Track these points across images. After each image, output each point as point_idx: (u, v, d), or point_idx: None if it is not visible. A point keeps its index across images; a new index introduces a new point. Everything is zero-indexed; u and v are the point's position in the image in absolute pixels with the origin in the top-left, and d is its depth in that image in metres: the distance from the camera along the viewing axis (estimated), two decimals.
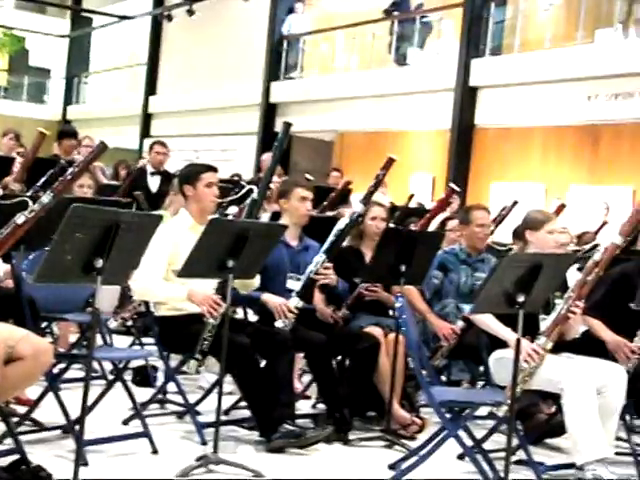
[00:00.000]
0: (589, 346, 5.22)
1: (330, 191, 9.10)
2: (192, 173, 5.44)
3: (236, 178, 10.30)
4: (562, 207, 8.74)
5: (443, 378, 6.58)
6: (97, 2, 27.37)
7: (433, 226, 7.61)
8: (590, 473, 4.60)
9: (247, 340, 5.01)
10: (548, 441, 5.63)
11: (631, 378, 4.91)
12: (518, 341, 4.31)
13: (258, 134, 19.83)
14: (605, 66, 13.88)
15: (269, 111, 19.85)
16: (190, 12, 20.63)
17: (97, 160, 4.65)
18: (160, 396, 5.76)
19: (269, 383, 5.07)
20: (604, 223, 9.48)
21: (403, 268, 5.50)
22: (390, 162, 5.84)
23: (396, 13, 17.90)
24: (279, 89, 19.80)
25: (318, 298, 5.85)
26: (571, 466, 4.83)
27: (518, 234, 7.89)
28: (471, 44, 15.84)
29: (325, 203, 8.49)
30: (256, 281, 5.33)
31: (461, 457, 5.05)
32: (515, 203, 8.85)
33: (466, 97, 15.89)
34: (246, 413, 5.35)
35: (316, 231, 5.91)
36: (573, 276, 5.26)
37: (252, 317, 5.90)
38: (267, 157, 9.34)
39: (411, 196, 11.16)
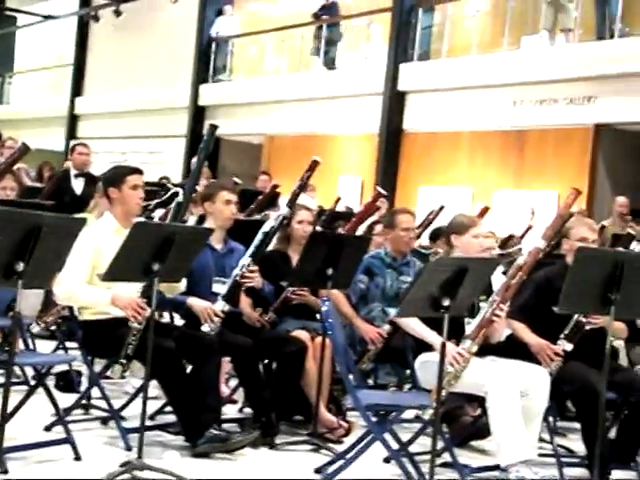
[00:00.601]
0: (513, 349, 5.28)
1: (258, 194, 9.08)
2: (117, 175, 5.37)
3: (164, 181, 10.21)
4: (486, 210, 8.83)
5: (370, 382, 6.61)
6: (21, 1, 26.94)
7: (361, 230, 7.63)
8: (514, 474, 4.65)
9: (173, 344, 4.96)
10: (473, 443, 5.67)
11: (554, 380, 4.97)
12: (443, 344, 4.34)
13: (187, 137, 19.72)
14: (531, 72, 14.08)
15: (198, 114, 19.75)
16: (117, 13, 20.42)
17: (20, 162, 4.56)
18: (84, 401, 5.67)
19: (195, 388, 5.03)
20: (529, 227, 9.59)
21: (330, 272, 5.50)
22: (314, 164, 5.83)
23: (325, 17, 17.95)
24: (208, 92, 19.71)
25: (244, 302, 5.83)
26: (496, 468, 4.88)
27: (435, 237, 8.00)
28: (399, 49, 15.95)
29: (253, 206, 8.47)
30: (182, 285, 5.28)
31: (387, 460, 5.06)
32: (442, 208, 8.92)
33: (394, 102, 15.99)
34: (172, 418, 5.30)
35: (243, 234, 5.88)
36: (498, 280, 5.31)
37: (178, 321, 5.85)
38: (196, 160, 9.28)
39: (338, 199, 11.18)
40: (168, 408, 5.43)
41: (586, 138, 13.85)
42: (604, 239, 8.62)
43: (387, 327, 6.01)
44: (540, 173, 14.41)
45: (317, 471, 4.89)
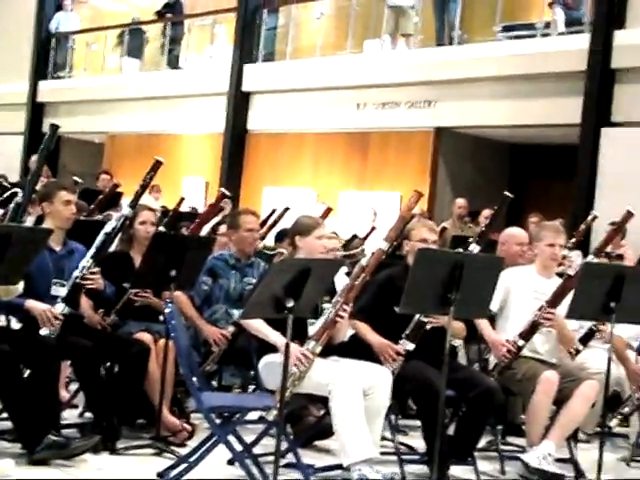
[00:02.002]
0: (356, 349, 5.33)
1: (99, 194, 8.90)
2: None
3: (1, 180, 9.89)
4: (329, 211, 8.91)
5: (214, 383, 6.56)
6: None
7: (205, 231, 7.57)
8: (356, 474, 4.70)
9: (8, 348, 4.80)
10: (318, 443, 5.70)
11: (395, 379, 5.05)
12: (287, 345, 4.35)
13: (25, 134, 19.17)
14: (373, 76, 14.32)
15: (36, 111, 19.25)
16: None
17: None
18: None
19: (32, 393, 4.87)
20: (372, 229, 9.73)
21: (173, 273, 5.43)
22: (157, 165, 5.74)
23: (169, 15, 17.79)
24: (47, 88, 19.21)
25: (86, 304, 5.69)
26: (339, 467, 4.92)
27: (280, 238, 8.02)
28: (244, 50, 15.96)
29: (93, 206, 8.29)
30: (19, 287, 5.11)
31: (231, 462, 5.03)
32: (287, 209, 8.94)
33: (239, 102, 15.99)
34: (8, 425, 5.12)
35: (83, 235, 5.74)
36: (341, 281, 5.36)
37: (15, 325, 5.66)
38: (35, 159, 9.03)
39: (181, 200, 11.08)
40: (4, 414, 5.25)
41: (427, 141, 14.16)
42: (444, 240, 8.84)
43: (231, 329, 5.98)
44: (383, 175, 14.66)
45: (160, 475, 4.82)
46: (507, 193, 6.02)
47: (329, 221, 9.04)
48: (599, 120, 12.01)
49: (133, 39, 18.27)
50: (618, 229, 6.27)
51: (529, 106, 12.80)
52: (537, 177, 14.60)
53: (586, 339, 6.67)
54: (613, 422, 5.86)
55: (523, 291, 5.71)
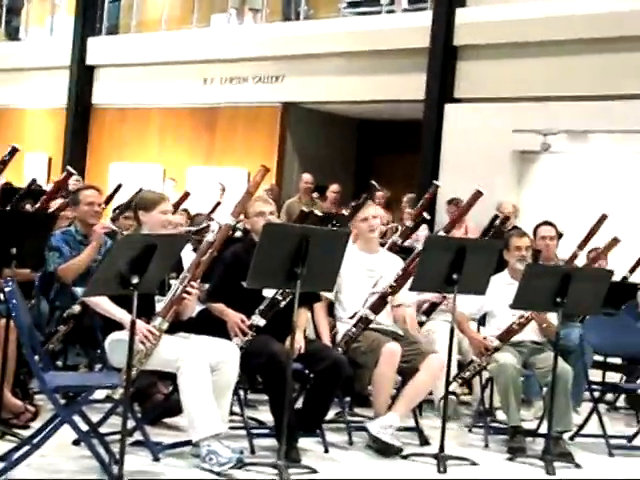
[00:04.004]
0: (204, 325, 5.32)
1: None
2: None
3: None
4: (186, 195, 8.57)
5: (59, 364, 6.42)
6: None
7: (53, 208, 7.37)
8: (205, 449, 4.69)
9: None
10: (167, 420, 5.66)
11: (244, 354, 5.06)
12: (133, 322, 4.28)
13: None
14: (220, 50, 14.24)
15: None
16: None
17: None
18: None
19: None
20: (217, 204, 9.66)
21: (14, 251, 5.27)
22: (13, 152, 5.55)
23: None
24: None
25: None
26: (188, 443, 4.90)
27: (117, 215, 7.88)
28: (87, 22, 15.61)
29: None
30: None
31: (76, 442, 4.94)
32: (119, 186, 8.73)
33: (82, 76, 15.66)
34: None
35: None
36: (188, 257, 5.32)
37: None
38: None
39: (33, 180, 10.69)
40: None
41: (275, 116, 14.20)
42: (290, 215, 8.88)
43: (77, 307, 5.86)
44: (231, 150, 14.63)
45: (1, 458, 4.68)
46: (373, 182, 6.12)
47: (176, 196, 8.95)
48: (442, 96, 12.29)
49: None
50: (467, 208, 6.42)
51: (375, 82, 12.98)
52: (384, 152, 14.85)
53: (429, 311, 6.85)
54: (453, 386, 6.03)
55: (353, 271, 5.80)
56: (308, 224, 6.69)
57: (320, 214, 7.68)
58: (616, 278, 6.35)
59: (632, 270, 8.17)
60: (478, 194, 6.18)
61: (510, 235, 6.40)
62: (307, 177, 11.52)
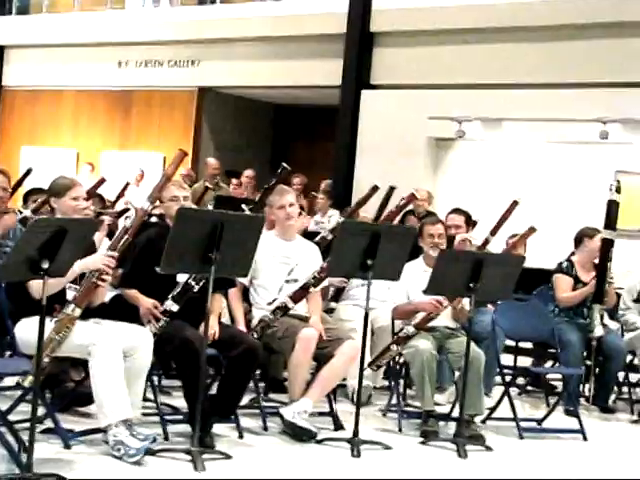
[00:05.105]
0: (117, 311, 5.26)
1: None
2: None
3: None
4: (102, 181, 8.44)
5: None
6: None
7: None
8: (112, 439, 4.63)
9: None
10: (79, 408, 5.58)
11: (157, 340, 5.01)
12: (43, 308, 4.20)
13: None
14: (135, 33, 14.06)
15: None
16: None
17: None
18: None
19: None
20: (126, 185, 9.38)
21: None
22: None
23: None
24: None
25: None
26: (100, 431, 4.84)
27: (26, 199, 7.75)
28: None
29: None
30: None
31: None
32: (29, 170, 8.52)
33: None
34: None
35: None
36: (105, 243, 5.25)
37: None
38: None
39: None
40: None
41: (191, 100, 14.10)
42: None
43: None
44: (146, 134, 14.48)
45: None
46: (284, 164, 6.12)
47: (92, 181, 8.80)
48: (359, 82, 12.34)
49: None
50: (403, 207, 6.59)
51: (291, 67, 12.97)
52: (301, 138, 14.85)
53: (337, 295, 6.91)
54: (367, 371, 6.07)
55: (269, 257, 5.81)
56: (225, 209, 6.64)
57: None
58: (530, 264, 6.43)
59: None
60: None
61: (424, 222, 6.46)
62: (212, 162, 11.38)
